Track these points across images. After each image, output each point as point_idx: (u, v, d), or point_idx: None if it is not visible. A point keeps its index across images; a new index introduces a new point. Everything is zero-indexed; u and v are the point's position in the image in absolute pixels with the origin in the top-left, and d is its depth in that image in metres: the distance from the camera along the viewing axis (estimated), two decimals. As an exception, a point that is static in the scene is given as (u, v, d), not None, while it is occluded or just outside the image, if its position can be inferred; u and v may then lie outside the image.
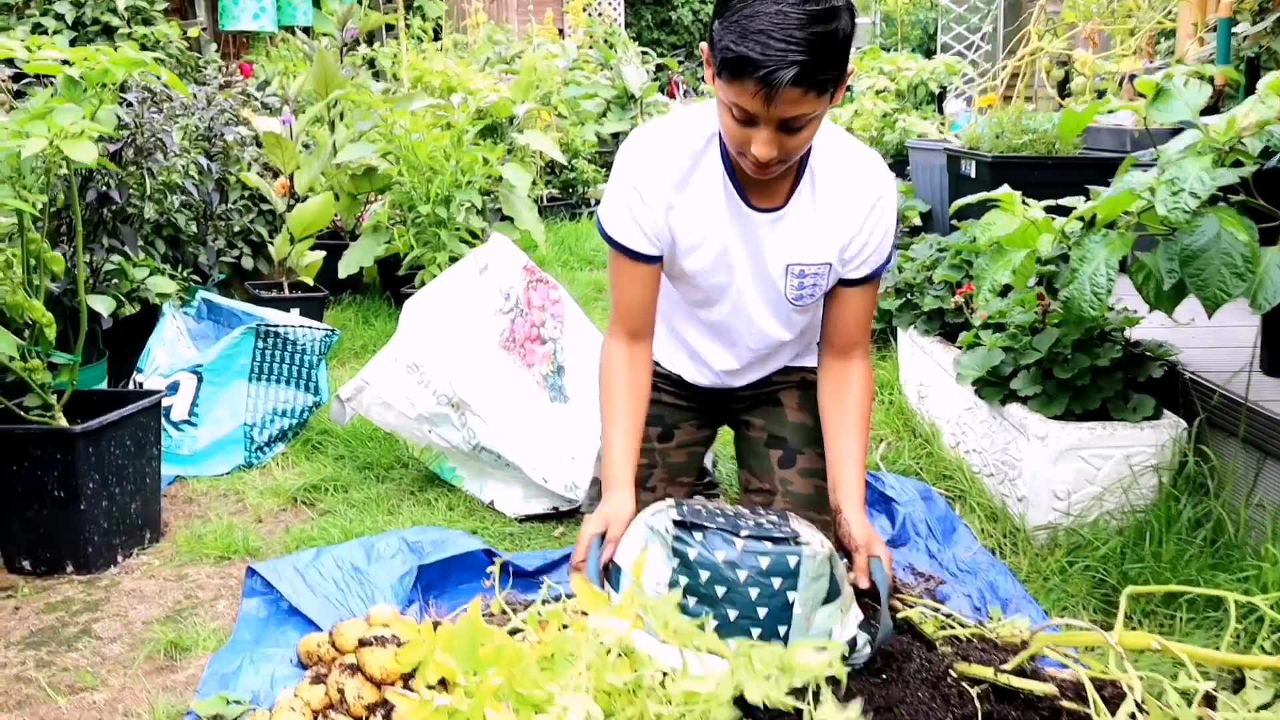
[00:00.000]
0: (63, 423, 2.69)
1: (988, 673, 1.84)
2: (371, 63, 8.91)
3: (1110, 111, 2.49)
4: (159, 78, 2.45)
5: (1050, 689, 1.80)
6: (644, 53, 11.00)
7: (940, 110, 8.02)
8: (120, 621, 2.45)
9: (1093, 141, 4.01)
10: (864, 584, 1.83)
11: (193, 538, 2.86)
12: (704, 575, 1.64)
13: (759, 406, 2.32)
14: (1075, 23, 4.73)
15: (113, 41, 5.66)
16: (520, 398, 3.02)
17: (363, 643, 1.99)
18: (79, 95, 2.47)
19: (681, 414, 2.33)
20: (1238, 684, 1.88)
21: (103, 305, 3.00)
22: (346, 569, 2.45)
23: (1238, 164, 2.08)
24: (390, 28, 10.31)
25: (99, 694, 2.15)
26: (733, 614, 1.64)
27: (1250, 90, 3.78)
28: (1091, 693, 1.72)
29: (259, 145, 4.98)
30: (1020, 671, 1.85)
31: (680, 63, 16.80)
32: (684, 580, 1.65)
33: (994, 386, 2.71)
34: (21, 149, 2.22)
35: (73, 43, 5.50)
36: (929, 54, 14.58)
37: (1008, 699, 1.83)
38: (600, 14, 16.03)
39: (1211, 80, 2.58)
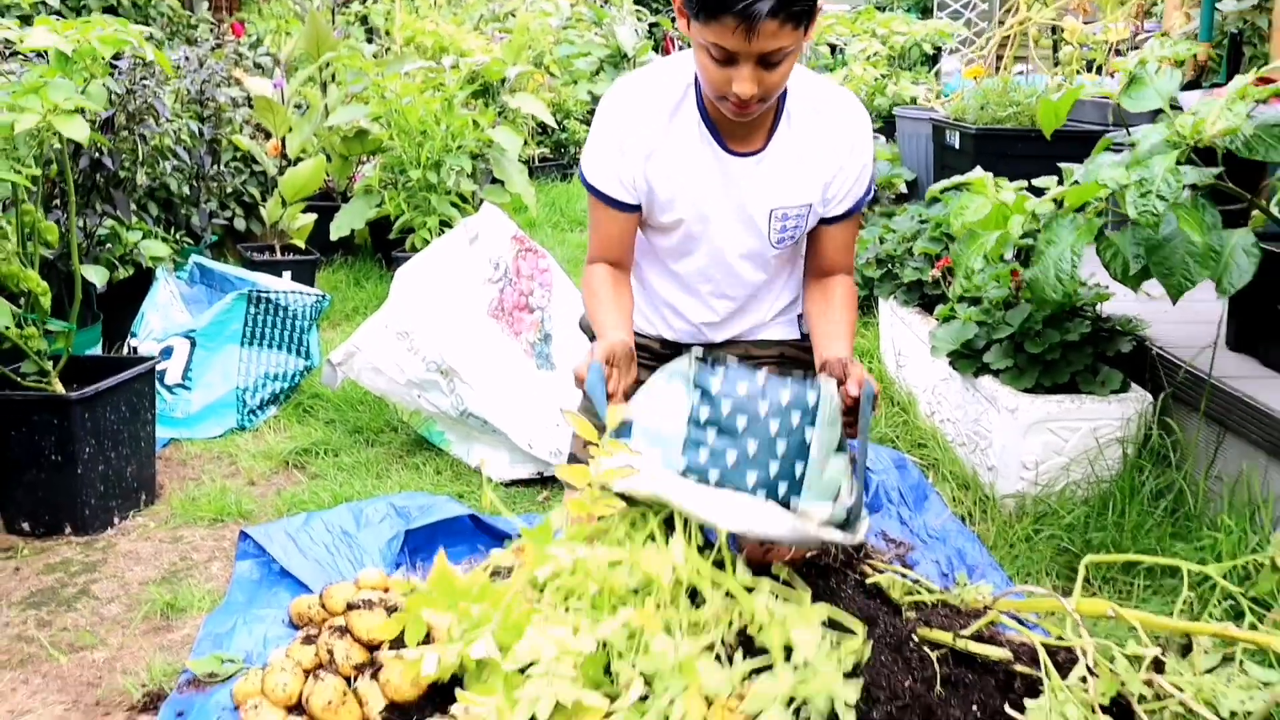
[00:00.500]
0: (59, 389, 2.75)
1: (947, 638, 1.93)
2: (364, 19, 8.88)
3: (1086, 97, 2.54)
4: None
5: (1005, 654, 1.88)
6: (638, 10, 10.94)
7: (935, 72, 8.03)
8: (118, 582, 2.53)
9: (1077, 114, 4.03)
10: (854, 390, 1.79)
11: (187, 500, 2.94)
12: (725, 406, 1.67)
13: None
14: (1063, -9, 4.77)
15: (106, -1, 5.67)
16: (508, 365, 3.09)
17: (350, 606, 2.08)
18: (71, 69, 2.51)
19: None
20: (1185, 649, 1.97)
21: (96, 275, 3.05)
22: (336, 533, 2.54)
23: (1200, 160, 2.14)
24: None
25: (98, 653, 2.24)
26: (752, 447, 1.66)
27: (1233, 66, 3.84)
28: (1043, 657, 1.80)
29: (250, 106, 5.01)
30: (979, 636, 1.93)
31: (674, 20, 16.66)
32: (706, 412, 1.67)
33: (968, 359, 2.78)
34: (15, 123, 2.27)
35: (63, 0, 5.50)
36: (926, 12, 14.50)
37: (966, 662, 1.91)
38: (595, -33, 15.88)
39: (1195, 56, 2.64)
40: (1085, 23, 5.99)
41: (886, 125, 5.91)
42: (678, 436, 1.70)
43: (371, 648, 2.04)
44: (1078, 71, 4.35)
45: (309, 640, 2.10)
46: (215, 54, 4.98)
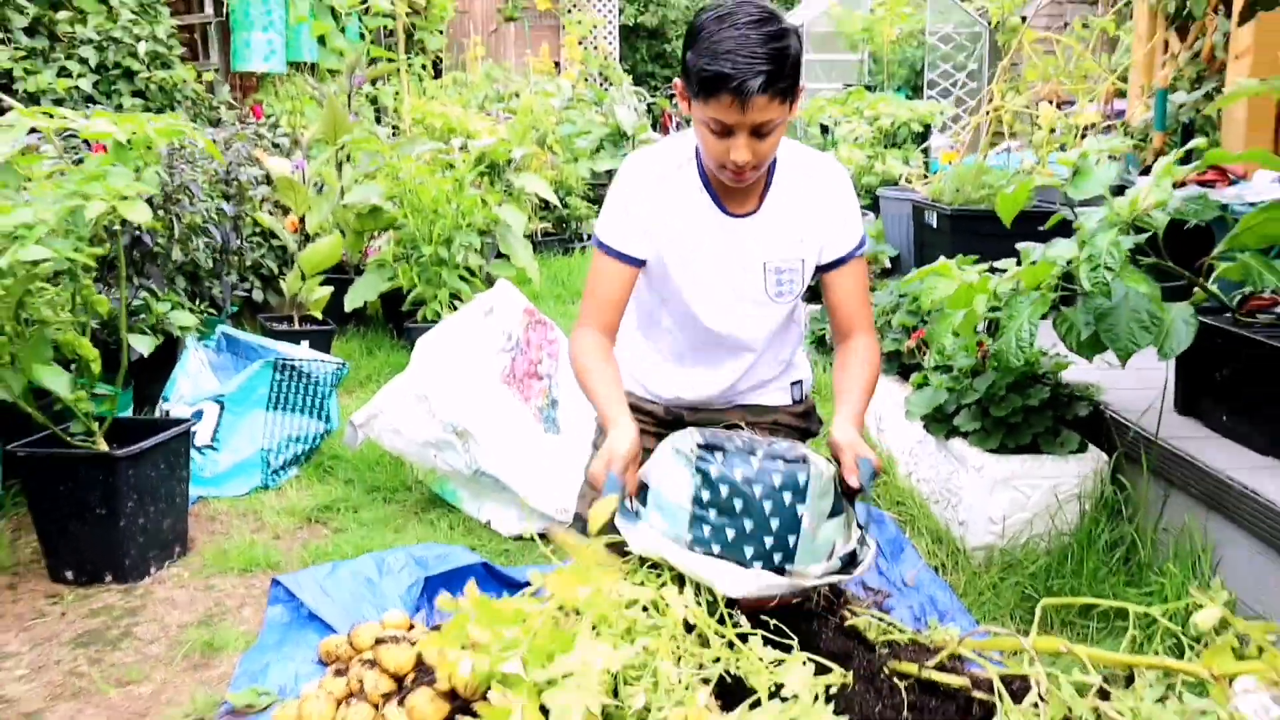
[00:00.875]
0: (104, 447, 2.99)
1: (914, 668, 2.15)
2: (374, 100, 9.27)
3: (1039, 187, 2.82)
4: (196, 142, 2.75)
5: (964, 681, 2.11)
6: (637, 90, 11.36)
7: (924, 149, 8.38)
8: (158, 625, 2.75)
9: (1044, 196, 4.34)
10: (854, 482, 1.98)
11: (218, 552, 3.16)
12: (724, 490, 1.90)
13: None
14: (1035, 80, 5.10)
15: (133, 83, 5.99)
16: (518, 428, 3.34)
17: (379, 641, 2.30)
18: (127, 156, 2.80)
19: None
20: (1129, 681, 2.20)
21: (144, 344, 3.31)
22: (360, 580, 2.76)
23: (1139, 230, 2.41)
24: (391, 60, 10.68)
25: (144, 687, 2.46)
26: (749, 525, 1.90)
27: (1187, 153, 4.15)
28: (998, 684, 2.03)
29: (269, 183, 5.31)
30: (941, 667, 2.16)
31: (672, 99, 17.16)
32: (706, 495, 1.91)
33: (939, 422, 3.03)
34: (85, 209, 2.54)
35: (95, 85, 5.83)
36: (916, 89, 14.98)
37: (931, 691, 2.14)
38: (595, 47, 16.41)
39: (1150, 143, 2.93)
40: (1062, 104, 6.35)
41: (873, 203, 6.23)
42: (684, 512, 1.95)
43: (398, 679, 2.26)
44: (1049, 153, 4.65)
45: (340, 673, 2.32)
46: (239, 135, 5.30)
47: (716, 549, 1.92)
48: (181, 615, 2.81)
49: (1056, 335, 2.66)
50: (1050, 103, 5.61)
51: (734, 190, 2.21)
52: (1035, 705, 2.03)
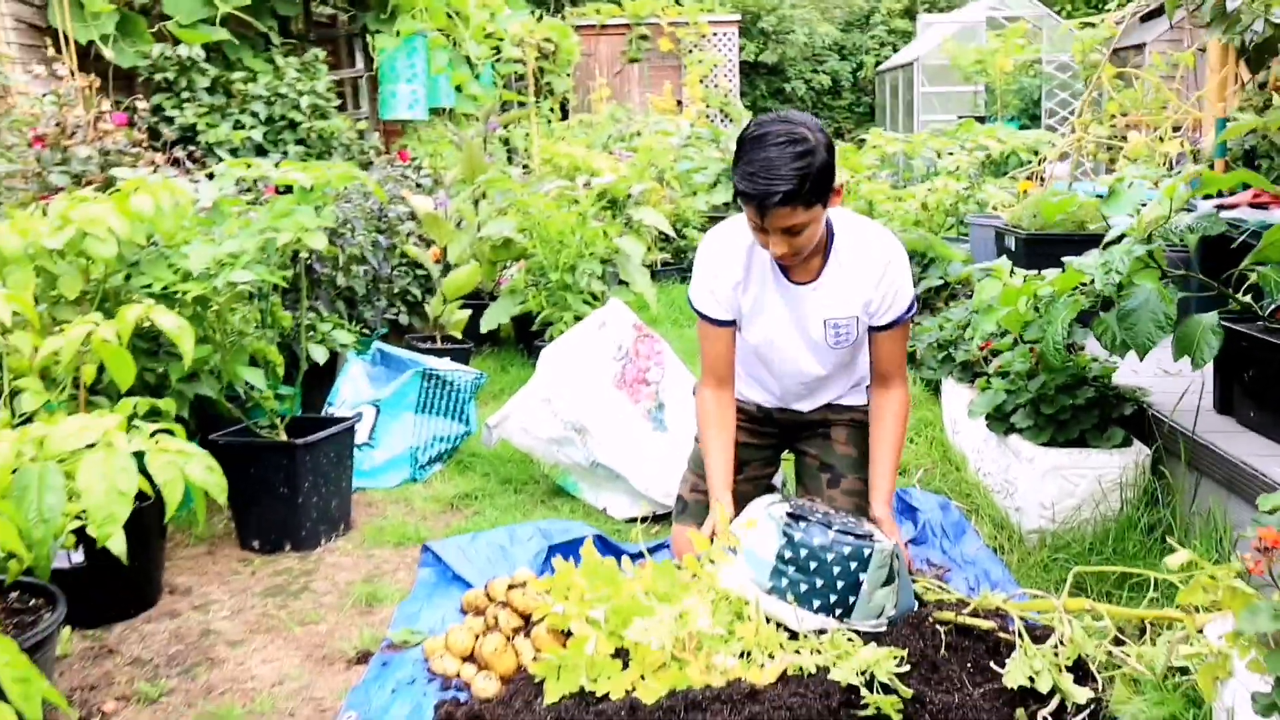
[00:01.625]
0: (285, 438, 3.60)
1: (951, 615, 2.56)
2: (506, 141, 9.98)
3: (1080, 205, 3.21)
4: (366, 186, 3.34)
5: (992, 625, 2.51)
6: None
7: (1041, 177, 8.66)
8: (329, 582, 3.33)
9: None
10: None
11: (375, 530, 3.74)
12: (803, 552, 2.40)
13: (814, 439, 3.07)
14: (1117, 113, 5.39)
15: (296, 132, 6.76)
16: (629, 426, 3.85)
17: (510, 587, 2.82)
18: (309, 198, 3.41)
19: (752, 451, 3.09)
20: (1141, 634, 2.57)
21: (320, 354, 3.93)
22: (495, 548, 3.29)
23: (1149, 240, 2.79)
24: (522, 104, 11.44)
25: (321, 626, 3.02)
26: (819, 583, 2.39)
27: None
28: (1020, 626, 2.43)
29: (414, 219, 5.97)
30: (974, 613, 2.57)
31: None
32: (788, 554, 2.41)
33: (999, 421, 3.42)
34: (276, 239, 3.15)
35: (265, 135, 6.61)
36: (1035, 119, 15.10)
37: (965, 634, 2.54)
38: (716, 84, 16.98)
39: (1212, 166, 3.27)
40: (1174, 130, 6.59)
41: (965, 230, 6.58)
42: (768, 565, 2.45)
43: (525, 618, 2.78)
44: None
45: (478, 614, 2.85)
46: (389, 178, 5.98)
47: (790, 598, 2.42)
48: (348, 575, 3.38)
49: (1093, 336, 3.04)
50: (1140, 131, 5.90)
51: (801, 263, 2.68)
52: (1055, 647, 2.43)
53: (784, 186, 2.38)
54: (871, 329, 2.78)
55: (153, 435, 2.28)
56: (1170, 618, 2.47)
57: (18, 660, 1.54)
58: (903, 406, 2.81)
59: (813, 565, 2.39)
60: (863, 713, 2.17)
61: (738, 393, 3.01)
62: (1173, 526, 3.06)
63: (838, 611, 2.40)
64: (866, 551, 2.39)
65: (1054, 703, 2.33)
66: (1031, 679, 2.28)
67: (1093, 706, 2.32)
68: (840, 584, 2.39)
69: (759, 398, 3.05)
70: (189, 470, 2.25)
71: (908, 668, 2.42)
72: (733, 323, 2.80)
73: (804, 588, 2.40)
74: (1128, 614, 2.58)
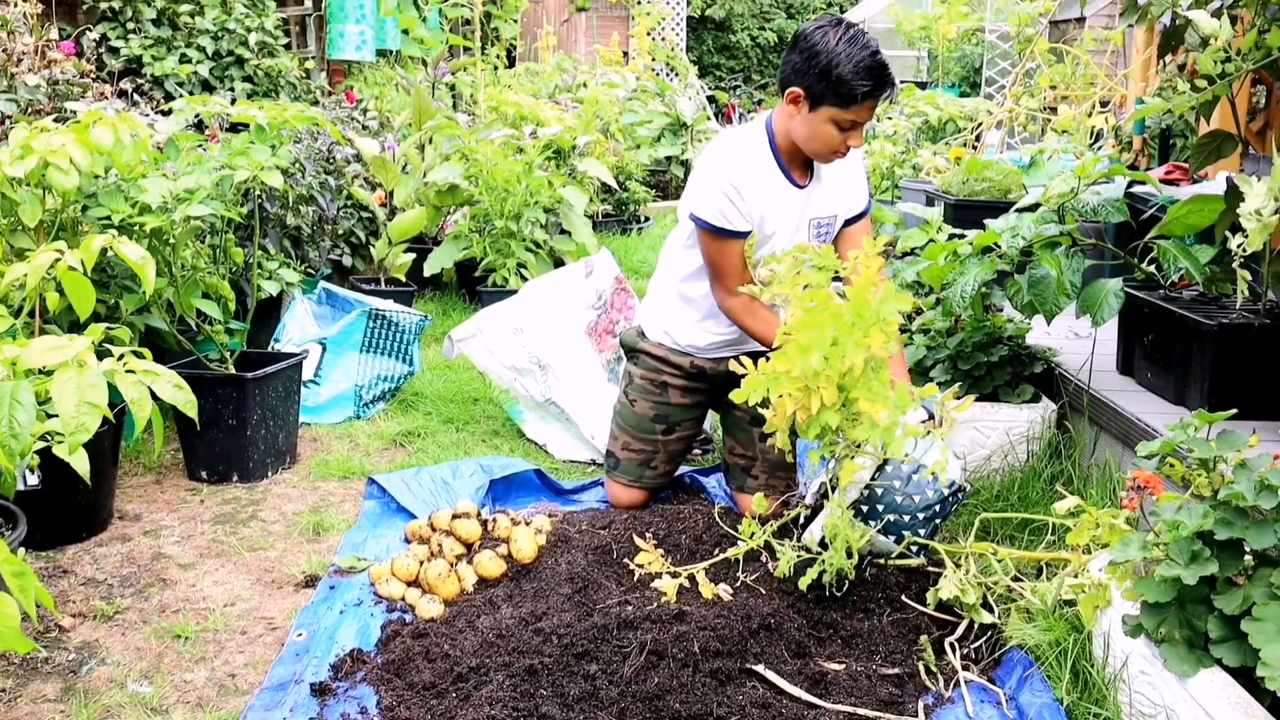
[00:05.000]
0: (234, 372, 3.70)
1: (883, 560, 2.78)
2: (453, 88, 9.97)
3: (1004, 173, 3.41)
4: (318, 127, 3.43)
5: (918, 561, 2.73)
6: (705, 83, 11.92)
7: (974, 144, 8.90)
8: (277, 512, 3.45)
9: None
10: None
11: (320, 464, 3.86)
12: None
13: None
14: (1048, 86, 5.61)
15: (243, 69, 6.75)
16: (589, 373, 4.01)
17: (455, 517, 2.97)
18: (264, 137, 3.49)
19: (684, 412, 3.27)
20: (1039, 574, 2.80)
21: (272, 287, 4.01)
22: (438, 481, 3.44)
23: (1061, 211, 3.00)
24: (468, 50, 11.39)
25: (270, 552, 3.15)
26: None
27: (1164, 154, 4.68)
28: (945, 558, 2.64)
29: (360, 162, 6.02)
30: (901, 556, 2.78)
31: (736, 88, 17.70)
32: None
33: (920, 375, 3.62)
34: (234, 175, 3.24)
35: (211, 70, 6.59)
36: (975, 86, 15.36)
37: (880, 569, 2.76)
38: (663, 38, 17.00)
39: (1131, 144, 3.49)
40: (1102, 105, 6.84)
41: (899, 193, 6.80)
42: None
43: (467, 546, 2.94)
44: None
45: (422, 542, 3.00)
46: (339, 119, 6.02)
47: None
48: (295, 506, 3.50)
49: (1006, 298, 3.25)
50: (1070, 105, 6.13)
51: (797, 165, 2.94)
52: (961, 580, 2.65)
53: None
54: (848, 221, 3.06)
55: (119, 358, 2.38)
56: (1062, 559, 2.71)
57: (11, 558, 1.66)
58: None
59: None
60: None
61: (669, 343, 3.18)
62: (1073, 477, 3.30)
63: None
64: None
65: (960, 630, 2.57)
66: (957, 597, 2.49)
67: (990, 633, 2.56)
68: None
69: (708, 339, 3.17)
70: (158, 388, 2.36)
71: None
72: (749, 234, 2.95)
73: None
74: (1025, 556, 2.81)
